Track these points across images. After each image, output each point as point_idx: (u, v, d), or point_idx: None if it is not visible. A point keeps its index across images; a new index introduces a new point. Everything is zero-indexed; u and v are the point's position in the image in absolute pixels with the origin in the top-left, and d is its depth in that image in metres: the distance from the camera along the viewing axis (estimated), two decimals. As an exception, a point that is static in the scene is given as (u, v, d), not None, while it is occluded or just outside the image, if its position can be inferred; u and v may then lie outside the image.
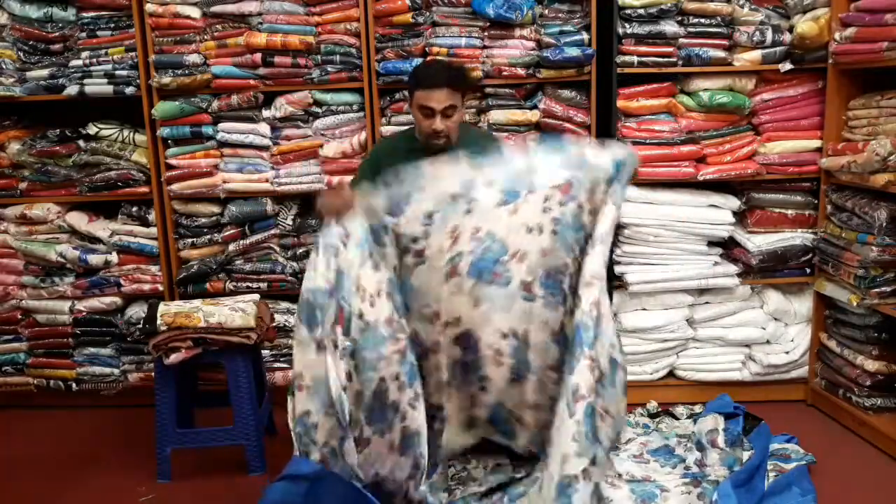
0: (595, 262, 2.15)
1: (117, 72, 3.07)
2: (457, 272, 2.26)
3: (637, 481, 2.49)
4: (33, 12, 3.06)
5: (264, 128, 3.09)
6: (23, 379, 3.32)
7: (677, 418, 2.96)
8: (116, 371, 3.29)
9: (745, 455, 2.54)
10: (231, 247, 3.17)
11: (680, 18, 2.96)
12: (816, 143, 3.00)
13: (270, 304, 3.11)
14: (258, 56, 3.00)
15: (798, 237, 3.08)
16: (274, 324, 3.10)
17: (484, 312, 2.30)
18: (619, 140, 3.02)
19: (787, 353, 3.13)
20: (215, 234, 3.18)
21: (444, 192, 2.23)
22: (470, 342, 2.34)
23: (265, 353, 3.18)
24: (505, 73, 2.99)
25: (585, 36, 2.94)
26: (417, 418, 2.23)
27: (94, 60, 3.07)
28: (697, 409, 2.98)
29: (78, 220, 3.23)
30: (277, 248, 3.18)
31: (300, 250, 3.18)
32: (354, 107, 3.08)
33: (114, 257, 3.22)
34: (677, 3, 2.92)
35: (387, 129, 3.05)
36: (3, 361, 3.32)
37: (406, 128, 2.78)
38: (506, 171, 2.25)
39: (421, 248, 2.27)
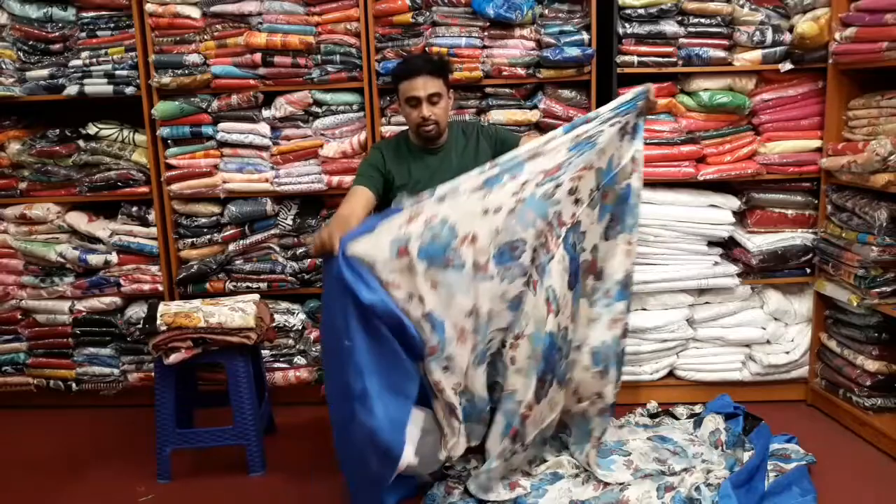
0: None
1: (117, 72, 3.07)
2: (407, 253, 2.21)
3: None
4: (33, 12, 3.06)
5: (264, 128, 3.09)
6: (23, 379, 3.32)
7: (677, 418, 2.95)
8: (116, 371, 3.29)
9: (746, 455, 2.54)
10: (231, 247, 3.17)
11: (680, 18, 2.96)
12: (816, 143, 3.00)
13: (270, 304, 3.11)
14: (258, 56, 3.00)
15: (798, 237, 3.08)
16: (274, 324, 3.10)
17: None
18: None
19: (787, 353, 3.13)
20: (215, 234, 3.18)
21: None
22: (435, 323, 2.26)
23: (265, 353, 3.18)
24: (505, 73, 2.99)
25: (585, 36, 2.94)
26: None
27: (94, 60, 3.07)
28: (697, 409, 2.98)
29: (78, 220, 3.22)
30: (277, 248, 3.18)
31: (300, 250, 3.18)
32: (354, 107, 3.08)
33: (114, 257, 3.22)
34: (677, 3, 2.93)
35: (387, 129, 3.05)
36: (3, 361, 3.32)
37: (401, 130, 2.80)
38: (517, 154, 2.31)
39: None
